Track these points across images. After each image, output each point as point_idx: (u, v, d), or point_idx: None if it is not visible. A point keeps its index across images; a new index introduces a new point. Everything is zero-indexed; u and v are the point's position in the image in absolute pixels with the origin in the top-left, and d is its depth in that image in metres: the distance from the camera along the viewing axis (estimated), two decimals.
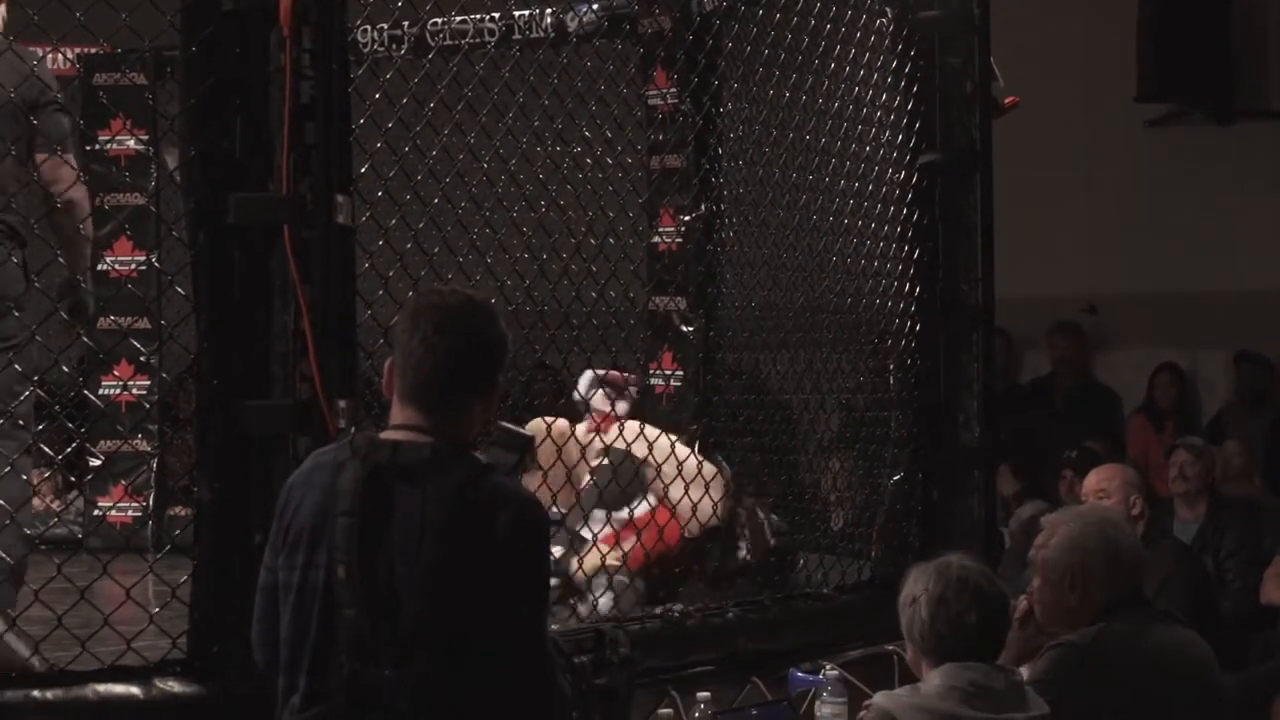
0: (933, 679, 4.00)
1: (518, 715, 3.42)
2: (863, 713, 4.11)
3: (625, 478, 5.63)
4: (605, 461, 5.74)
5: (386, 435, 3.46)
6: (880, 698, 4.04)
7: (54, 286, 5.10)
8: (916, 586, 4.07)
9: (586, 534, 5.58)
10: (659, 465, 5.71)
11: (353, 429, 3.56)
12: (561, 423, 5.92)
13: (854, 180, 6.28)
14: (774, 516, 5.83)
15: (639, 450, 5.75)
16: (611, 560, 5.57)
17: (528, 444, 3.76)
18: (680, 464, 5.74)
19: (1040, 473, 9.33)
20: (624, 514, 5.65)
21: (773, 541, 5.70)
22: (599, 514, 5.64)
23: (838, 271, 6.34)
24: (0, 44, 5.02)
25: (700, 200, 6.70)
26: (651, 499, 5.71)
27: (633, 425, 5.87)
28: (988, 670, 4.01)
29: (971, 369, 6.25)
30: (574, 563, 5.53)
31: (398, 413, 3.47)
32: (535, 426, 5.81)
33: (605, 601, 5.51)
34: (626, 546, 5.62)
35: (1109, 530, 4.61)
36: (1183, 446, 8.02)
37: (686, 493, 5.70)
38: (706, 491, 5.74)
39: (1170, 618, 4.73)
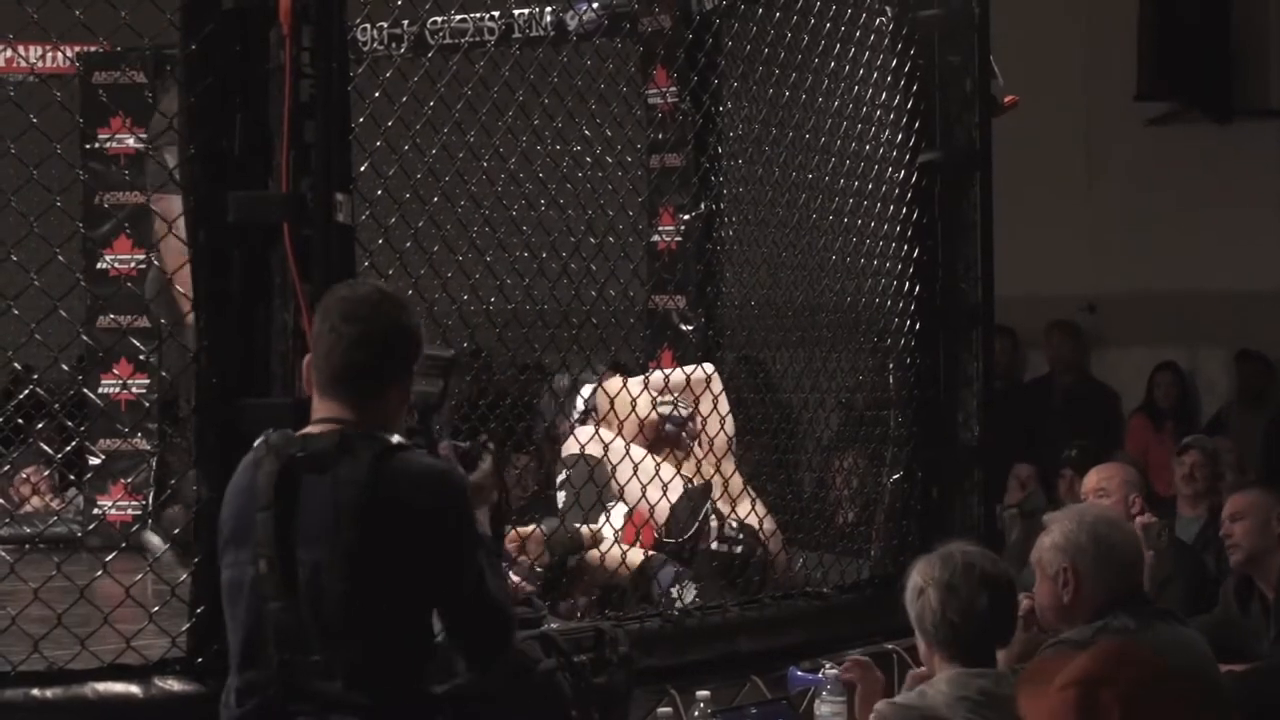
0: (940, 685, 3.97)
1: (488, 653, 3.54)
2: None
3: (593, 483, 5.63)
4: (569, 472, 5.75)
5: (304, 430, 3.52)
6: (884, 705, 4.02)
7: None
8: (922, 577, 4.05)
9: (608, 530, 5.58)
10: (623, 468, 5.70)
11: (270, 429, 3.62)
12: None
13: (854, 179, 6.27)
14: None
15: (596, 452, 5.74)
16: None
17: (450, 365, 3.78)
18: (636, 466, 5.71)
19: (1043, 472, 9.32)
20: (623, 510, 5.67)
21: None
22: (619, 510, 5.66)
23: (837, 270, 6.33)
24: None
25: (700, 199, 6.70)
26: (624, 505, 5.72)
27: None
28: (997, 677, 3.99)
29: (971, 368, 6.25)
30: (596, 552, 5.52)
31: (318, 407, 3.54)
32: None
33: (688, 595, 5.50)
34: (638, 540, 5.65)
35: (1101, 528, 4.59)
36: (1196, 447, 7.86)
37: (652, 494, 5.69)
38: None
39: (1171, 616, 4.73)
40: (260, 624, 3.42)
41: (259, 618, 3.42)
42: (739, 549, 5.67)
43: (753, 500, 5.89)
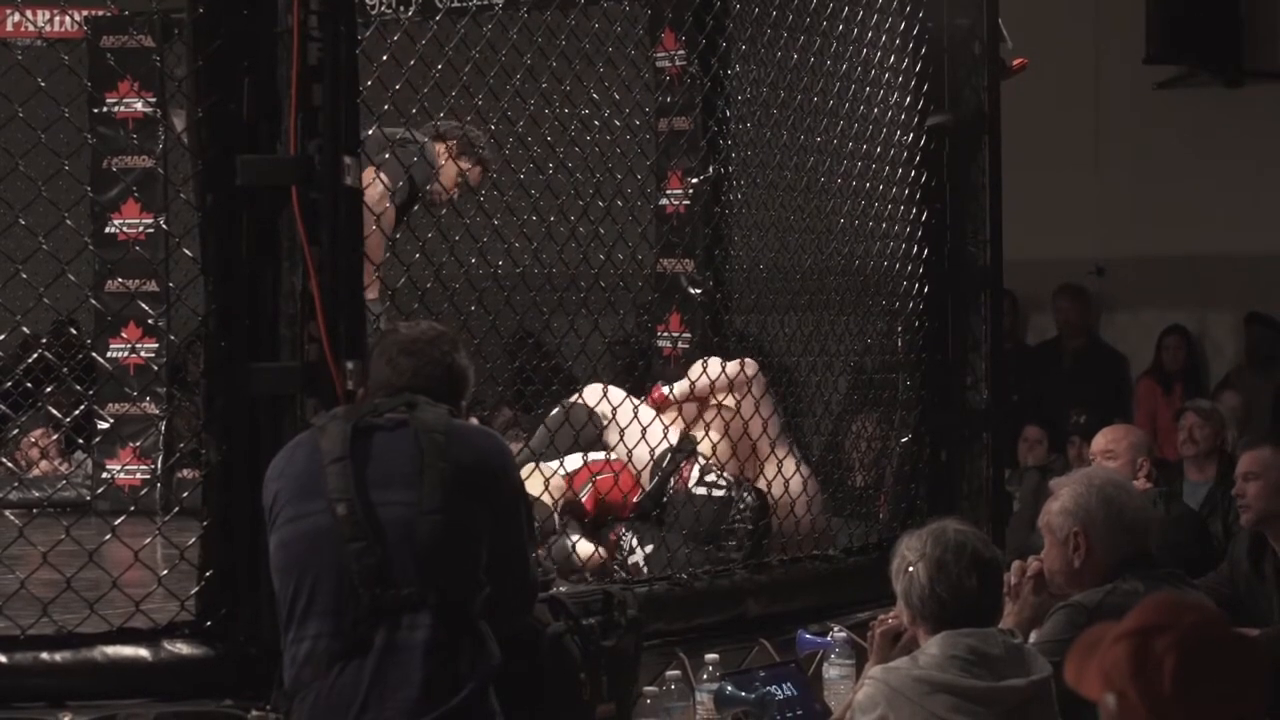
0: (930, 648, 3.97)
1: (514, 614, 3.75)
2: (863, 682, 4.07)
3: (579, 426, 5.70)
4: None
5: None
6: (878, 671, 4.01)
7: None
8: (911, 553, 4.04)
9: (554, 464, 5.61)
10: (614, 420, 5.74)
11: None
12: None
13: (862, 142, 6.26)
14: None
15: (593, 403, 5.77)
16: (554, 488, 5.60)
17: None
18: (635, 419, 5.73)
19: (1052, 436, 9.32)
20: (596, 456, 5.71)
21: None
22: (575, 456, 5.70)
23: (846, 233, 6.32)
24: None
25: (708, 162, 6.68)
26: (604, 452, 5.75)
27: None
28: (986, 635, 3.98)
29: (979, 330, 6.25)
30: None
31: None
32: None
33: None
34: (582, 486, 5.67)
35: (1110, 491, 4.60)
36: (1191, 409, 7.96)
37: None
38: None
39: (1178, 579, 4.73)
40: (332, 568, 3.52)
41: (336, 563, 3.51)
42: (719, 493, 5.67)
43: (781, 463, 5.89)
